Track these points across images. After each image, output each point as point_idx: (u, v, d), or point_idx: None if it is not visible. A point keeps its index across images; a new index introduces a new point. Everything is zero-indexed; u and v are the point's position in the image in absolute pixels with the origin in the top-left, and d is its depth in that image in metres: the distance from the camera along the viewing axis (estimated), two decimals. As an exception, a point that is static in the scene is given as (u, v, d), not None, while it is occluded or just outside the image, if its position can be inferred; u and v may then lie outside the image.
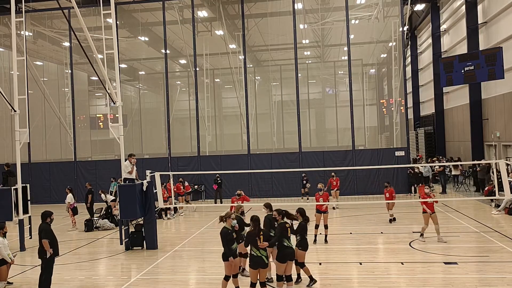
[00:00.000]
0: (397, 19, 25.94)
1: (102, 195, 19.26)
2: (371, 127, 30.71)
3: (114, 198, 18.80)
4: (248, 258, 8.70)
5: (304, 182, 23.14)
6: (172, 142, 26.27)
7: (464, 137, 29.53)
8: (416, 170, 22.00)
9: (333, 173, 21.10)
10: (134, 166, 14.11)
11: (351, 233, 15.12)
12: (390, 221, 16.42)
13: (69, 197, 18.38)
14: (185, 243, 14.69)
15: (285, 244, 8.67)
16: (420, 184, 21.68)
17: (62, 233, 17.27)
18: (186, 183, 22.31)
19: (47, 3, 25.86)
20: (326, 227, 13.79)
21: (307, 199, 22.83)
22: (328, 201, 13.99)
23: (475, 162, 22.54)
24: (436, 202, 13.84)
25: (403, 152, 24.26)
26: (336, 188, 20.82)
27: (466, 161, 26.73)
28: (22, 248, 14.27)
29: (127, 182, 14.01)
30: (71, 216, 18.29)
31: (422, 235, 13.55)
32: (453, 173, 25.96)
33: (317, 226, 13.87)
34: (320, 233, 13.82)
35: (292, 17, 25.07)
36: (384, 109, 33.74)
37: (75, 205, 18.40)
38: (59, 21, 27.54)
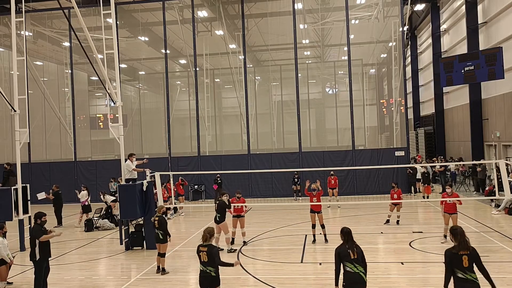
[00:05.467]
0: (397, 19, 25.94)
1: (102, 196, 19.28)
2: (371, 127, 30.70)
3: (114, 198, 18.85)
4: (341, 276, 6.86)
5: (296, 180, 23.40)
6: (172, 142, 26.27)
7: (464, 137, 29.53)
8: (423, 170, 21.97)
9: (332, 172, 21.22)
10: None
11: (351, 233, 15.10)
12: (388, 221, 16.30)
13: (81, 195, 18.77)
14: (185, 243, 14.69)
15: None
16: (426, 185, 21.65)
17: (62, 232, 17.27)
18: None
19: (47, 3, 25.87)
20: (323, 226, 13.78)
21: (299, 199, 23.14)
22: (320, 201, 13.96)
23: (475, 162, 22.54)
24: (460, 203, 13.34)
25: (403, 152, 24.28)
26: (334, 187, 20.93)
27: (466, 161, 26.72)
28: (22, 248, 14.26)
29: (130, 182, 14.07)
30: (80, 212, 18.66)
31: (445, 236, 13.24)
32: (451, 170, 25.96)
33: (313, 226, 13.90)
34: (320, 233, 13.82)
35: (292, 17, 25.08)
36: (384, 109, 33.72)
37: (86, 203, 18.69)
38: (59, 21, 27.54)
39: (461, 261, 6.21)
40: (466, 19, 26.94)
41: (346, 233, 6.96)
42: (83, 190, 19.00)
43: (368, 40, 29.27)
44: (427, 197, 21.24)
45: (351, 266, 6.75)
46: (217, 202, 13.16)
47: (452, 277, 6.31)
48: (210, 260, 7.31)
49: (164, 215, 11.91)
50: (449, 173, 26.13)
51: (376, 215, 17.94)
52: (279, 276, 10.74)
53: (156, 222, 11.42)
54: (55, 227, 18.56)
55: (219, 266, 7.37)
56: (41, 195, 17.64)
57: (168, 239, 11.47)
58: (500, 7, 23.12)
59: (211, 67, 30.97)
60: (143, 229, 14.21)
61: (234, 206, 13.80)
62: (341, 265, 6.83)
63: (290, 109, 27.55)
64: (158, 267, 11.47)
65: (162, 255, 11.34)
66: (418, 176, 22.82)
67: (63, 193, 19.67)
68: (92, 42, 13.39)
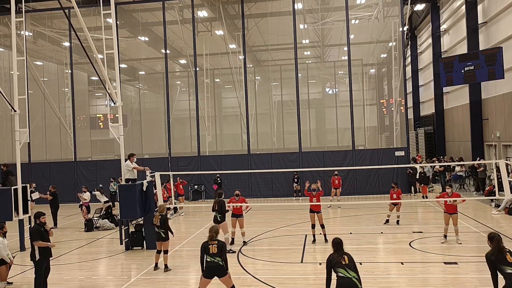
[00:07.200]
0: (397, 19, 25.94)
1: (97, 193, 19.26)
2: (371, 127, 30.70)
3: (107, 199, 18.89)
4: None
5: (296, 180, 23.39)
6: (172, 142, 26.27)
7: (464, 137, 29.52)
8: (420, 170, 21.98)
9: (336, 172, 21.21)
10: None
11: (351, 233, 15.11)
12: (387, 221, 16.29)
13: (87, 195, 18.70)
14: (185, 243, 14.69)
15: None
16: (423, 185, 21.62)
17: (62, 232, 17.30)
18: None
19: (47, 3, 25.88)
20: (322, 226, 13.77)
21: (299, 199, 23.14)
22: (320, 201, 13.96)
23: (475, 162, 22.53)
24: (463, 201, 13.52)
25: (403, 152, 24.29)
26: (338, 187, 20.94)
27: (466, 161, 26.69)
28: (22, 248, 14.27)
29: (129, 182, 14.06)
30: (85, 213, 18.49)
31: (445, 236, 13.27)
32: (457, 173, 25.90)
33: (313, 226, 13.89)
34: (320, 233, 13.81)
35: (292, 17, 25.08)
36: (384, 109, 33.72)
37: (88, 204, 18.65)
38: (59, 21, 27.54)
39: (504, 257, 6.56)
40: (466, 19, 26.92)
41: (336, 244, 7.19)
42: (87, 192, 18.95)
43: (368, 40, 29.27)
44: (426, 197, 21.26)
45: (343, 272, 6.80)
46: (217, 202, 13.12)
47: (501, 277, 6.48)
48: (219, 251, 8.11)
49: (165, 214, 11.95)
50: (448, 174, 26.03)
51: (376, 215, 17.94)
52: (279, 276, 10.75)
53: (158, 220, 11.49)
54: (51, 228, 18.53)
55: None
56: (35, 195, 17.59)
57: (172, 235, 11.63)
58: (500, 7, 23.11)
59: (211, 67, 30.97)
60: (143, 229, 14.21)
61: (233, 206, 13.79)
62: (332, 273, 6.94)
63: (290, 109, 27.54)
64: (156, 264, 11.60)
65: (165, 251, 11.53)
66: (418, 176, 22.81)
67: (63, 193, 19.64)
68: (92, 42, 13.39)
